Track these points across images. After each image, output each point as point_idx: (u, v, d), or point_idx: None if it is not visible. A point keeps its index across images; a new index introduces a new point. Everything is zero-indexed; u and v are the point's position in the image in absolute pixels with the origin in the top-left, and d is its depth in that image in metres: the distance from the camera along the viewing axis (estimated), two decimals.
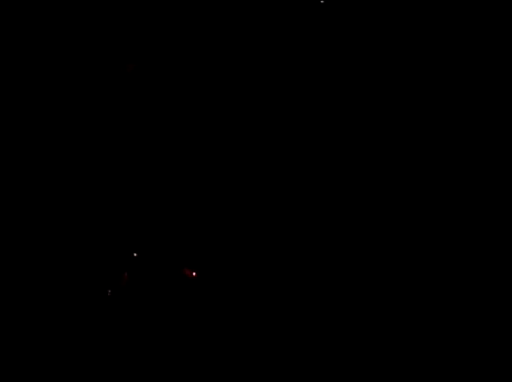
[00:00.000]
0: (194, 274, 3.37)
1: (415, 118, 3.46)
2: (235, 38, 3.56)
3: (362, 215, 3.40)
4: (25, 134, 3.44)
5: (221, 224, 3.43)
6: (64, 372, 3.19)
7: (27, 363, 3.19)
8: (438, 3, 3.47)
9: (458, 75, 3.46)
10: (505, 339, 3.21)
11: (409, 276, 3.32)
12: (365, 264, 3.35)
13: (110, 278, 3.34)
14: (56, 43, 3.51)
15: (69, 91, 3.49)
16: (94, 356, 3.21)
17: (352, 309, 3.30)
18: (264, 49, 3.56)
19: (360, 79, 3.51)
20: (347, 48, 3.53)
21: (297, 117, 3.51)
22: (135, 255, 3.36)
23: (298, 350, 3.25)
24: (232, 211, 3.44)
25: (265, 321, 3.29)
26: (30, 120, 3.45)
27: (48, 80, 3.49)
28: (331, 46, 3.54)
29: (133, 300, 3.32)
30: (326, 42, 3.55)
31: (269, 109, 3.53)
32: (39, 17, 3.51)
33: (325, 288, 3.33)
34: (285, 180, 3.46)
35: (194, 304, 3.33)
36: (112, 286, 3.32)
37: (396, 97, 3.48)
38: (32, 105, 3.46)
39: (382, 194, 3.41)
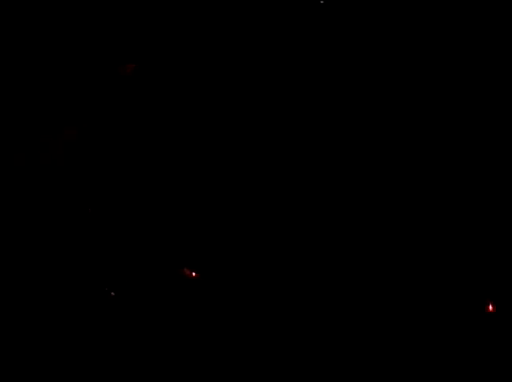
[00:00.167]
0: (194, 274, 3.37)
1: (415, 118, 3.46)
2: (235, 38, 3.56)
3: (362, 215, 3.41)
4: (25, 133, 3.44)
5: (221, 223, 3.43)
6: (64, 372, 3.19)
7: (27, 363, 3.19)
8: (438, 3, 3.48)
9: (458, 75, 3.46)
10: (504, 338, 3.21)
11: (408, 276, 3.32)
12: (365, 264, 3.35)
13: (110, 278, 3.34)
14: (56, 43, 3.51)
15: (69, 91, 3.50)
16: (94, 356, 3.22)
17: (352, 309, 3.30)
18: (264, 49, 3.56)
19: (360, 79, 3.51)
20: (347, 48, 3.53)
21: (297, 117, 3.51)
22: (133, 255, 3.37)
23: (298, 350, 3.25)
24: (232, 211, 3.44)
25: (266, 321, 3.29)
26: (30, 120, 3.46)
27: (48, 80, 3.50)
28: (332, 46, 3.55)
29: (133, 300, 3.32)
30: (326, 42, 3.55)
31: (269, 109, 3.53)
32: (39, 17, 3.51)
33: (325, 288, 3.34)
34: (285, 180, 3.46)
35: (194, 304, 3.33)
36: (112, 287, 3.33)
37: (396, 97, 3.48)
38: (32, 105, 3.47)
39: (382, 194, 3.41)
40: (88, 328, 3.26)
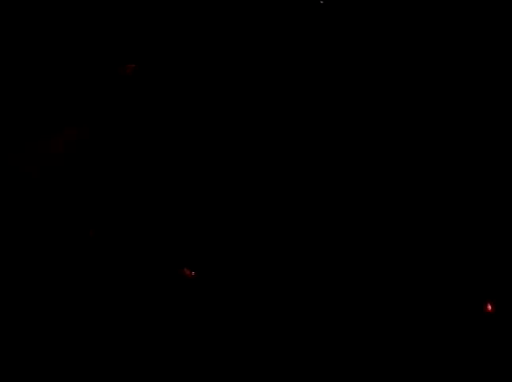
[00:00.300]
0: (193, 274, 3.37)
1: (415, 119, 3.46)
2: (235, 38, 3.56)
3: (362, 214, 3.40)
4: (25, 133, 3.44)
5: (221, 223, 3.43)
6: (63, 372, 3.19)
7: (27, 363, 3.19)
8: (438, 3, 3.48)
9: (458, 75, 3.46)
10: (504, 338, 3.21)
11: (408, 276, 3.32)
12: (365, 264, 3.35)
13: (111, 278, 3.34)
14: (56, 43, 3.51)
15: (70, 91, 3.50)
16: (94, 356, 3.21)
17: (352, 309, 3.30)
18: (264, 49, 3.56)
19: (360, 79, 3.51)
20: (346, 48, 3.53)
21: (297, 117, 3.51)
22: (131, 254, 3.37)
23: (298, 350, 3.25)
24: (232, 211, 3.44)
25: (266, 321, 3.29)
26: (30, 120, 3.45)
27: (48, 80, 3.50)
28: (331, 46, 3.54)
29: (132, 300, 3.32)
30: (326, 42, 3.55)
31: (269, 109, 3.53)
32: (39, 17, 3.51)
33: (325, 288, 3.34)
34: (285, 180, 3.46)
35: (193, 304, 3.33)
36: (112, 287, 3.33)
37: (396, 97, 3.48)
38: (32, 105, 3.47)
39: (382, 194, 3.41)
40: (88, 328, 3.26)
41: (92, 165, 3.45)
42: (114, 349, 3.22)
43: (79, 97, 3.50)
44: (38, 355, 3.19)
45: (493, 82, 3.43)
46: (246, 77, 3.55)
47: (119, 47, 3.55)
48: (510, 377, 3.17)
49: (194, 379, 3.22)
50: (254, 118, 3.52)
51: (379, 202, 3.41)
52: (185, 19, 3.58)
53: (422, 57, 3.48)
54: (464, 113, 3.44)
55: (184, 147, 3.51)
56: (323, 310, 3.30)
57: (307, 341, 3.26)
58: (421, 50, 3.48)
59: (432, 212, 3.38)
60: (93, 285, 3.31)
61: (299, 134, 3.50)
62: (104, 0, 3.56)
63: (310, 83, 3.54)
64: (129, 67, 3.55)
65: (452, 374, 3.19)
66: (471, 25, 3.46)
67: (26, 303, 3.25)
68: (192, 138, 3.51)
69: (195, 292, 3.34)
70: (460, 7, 3.46)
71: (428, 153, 3.43)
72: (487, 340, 3.22)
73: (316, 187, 3.44)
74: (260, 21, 3.57)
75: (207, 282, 3.35)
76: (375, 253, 3.35)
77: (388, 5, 3.52)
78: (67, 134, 3.45)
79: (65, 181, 3.41)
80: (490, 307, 3.25)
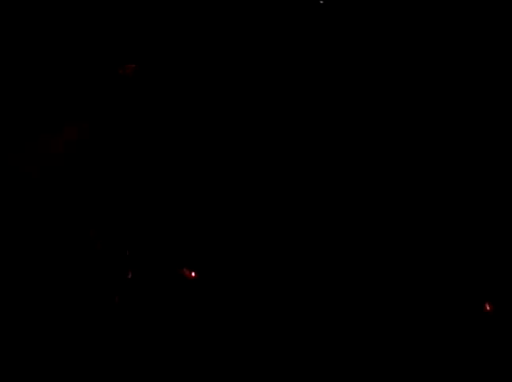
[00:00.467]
0: (193, 274, 3.37)
1: (415, 119, 3.46)
2: (235, 38, 3.56)
3: (362, 214, 3.40)
4: (25, 132, 3.44)
5: (221, 224, 3.43)
6: (63, 372, 3.19)
7: (27, 363, 3.19)
8: (438, 3, 3.48)
9: (458, 75, 3.46)
10: (504, 338, 3.21)
11: (408, 276, 3.32)
12: (365, 264, 3.35)
13: (111, 278, 3.34)
14: (56, 42, 3.51)
15: (70, 91, 3.50)
16: (94, 356, 3.21)
17: (352, 309, 3.30)
18: (264, 49, 3.56)
19: (360, 79, 3.51)
20: (346, 48, 3.53)
21: (297, 117, 3.51)
22: (129, 254, 3.36)
23: (298, 350, 3.25)
24: (232, 211, 3.44)
25: (266, 321, 3.29)
26: (30, 119, 3.45)
27: (49, 80, 3.50)
28: (331, 46, 3.54)
29: (132, 300, 3.32)
30: (326, 42, 3.55)
31: (269, 109, 3.53)
32: (39, 17, 3.51)
33: (325, 288, 3.33)
34: (285, 180, 3.46)
35: (193, 304, 3.33)
36: (112, 287, 3.33)
37: (396, 97, 3.48)
38: (32, 104, 3.47)
39: (382, 194, 3.41)
40: (88, 328, 3.26)
41: (92, 165, 3.45)
42: (115, 349, 3.23)
43: (79, 97, 3.50)
44: (38, 355, 3.19)
45: (493, 82, 3.44)
46: (246, 77, 3.55)
47: (119, 47, 3.55)
48: (510, 377, 3.17)
49: (194, 379, 3.22)
50: (254, 118, 3.52)
51: (379, 202, 3.41)
52: (185, 19, 3.58)
53: (422, 57, 3.48)
54: (464, 113, 3.44)
55: (184, 147, 3.50)
56: (323, 310, 3.30)
57: (307, 340, 3.26)
58: (421, 50, 3.48)
59: (431, 212, 3.38)
60: (93, 284, 3.31)
61: (299, 134, 3.50)
62: (104, 0, 3.56)
63: (310, 83, 3.54)
64: (129, 67, 3.55)
65: (452, 374, 3.19)
66: (471, 25, 3.46)
67: (26, 302, 3.25)
68: (192, 137, 3.51)
69: (195, 292, 3.34)
70: (460, 7, 3.47)
71: (428, 154, 3.43)
72: (487, 340, 3.22)
73: (315, 187, 3.44)
74: (260, 22, 3.57)
75: (207, 283, 3.35)
76: (375, 253, 3.35)
77: (388, 5, 3.52)
78: (67, 134, 3.45)
79: (65, 181, 3.41)
80: (489, 307, 3.25)
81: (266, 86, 3.54)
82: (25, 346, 3.20)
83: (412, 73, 3.48)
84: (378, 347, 3.24)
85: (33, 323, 3.23)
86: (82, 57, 3.51)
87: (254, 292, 3.33)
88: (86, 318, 3.26)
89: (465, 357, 3.20)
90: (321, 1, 3.54)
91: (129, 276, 3.33)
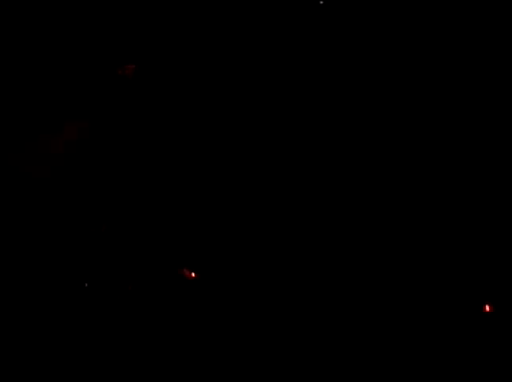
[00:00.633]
0: (193, 274, 3.37)
1: (415, 119, 3.46)
2: (235, 38, 3.56)
3: (362, 215, 3.41)
4: (25, 132, 3.44)
5: (221, 224, 3.43)
6: (63, 372, 3.19)
7: (27, 363, 3.19)
8: (438, 3, 3.48)
9: (458, 75, 3.46)
10: (504, 338, 3.22)
11: (408, 276, 3.32)
12: (365, 264, 3.35)
13: (111, 279, 3.34)
14: (56, 42, 3.51)
15: (70, 91, 3.50)
16: (94, 356, 3.21)
17: (352, 309, 3.30)
18: (264, 49, 3.56)
19: (360, 80, 3.51)
20: (346, 48, 3.54)
21: (297, 117, 3.52)
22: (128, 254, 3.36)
23: (298, 350, 3.25)
24: (232, 211, 3.44)
25: (265, 321, 3.29)
26: (30, 119, 3.45)
27: (49, 79, 3.50)
28: (331, 46, 3.55)
29: (132, 300, 3.32)
30: (325, 43, 3.55)
31: (268, 109, 3.53)
32: (39, 17, 3.51)
33: (325, 288, 3.34)
34: (285, 180, 3.46)
35: (193, 305, 3.33)
36: (113, 287, 3.32)
37: (396, 97, 3.49)
38: (33, 104, 3.47)
39: (382, 194, 3.41)
40: (88, 328, 3.26)
41: (92, 165, 3.45)
42: (115, 348, 3.22)
43: (79, 97, 3.50)
44: (40, 350, 3.19)
45: (493, 82, 3.44)
46: (245, 77, 3.55)
47: (119, 47, 3.55)
48: (510, 377, 3.17)
49: (194, 379, 3.22)
50: (254, 118, 3.52)
51: (379, 202, 3.41)
52: (185, 20, 3.58)
53: (422, 57, 3.49)
54: (464, 113, 3.45)
55: (184, 147, 3.50)
56: (323, 311, 3.30)
57: (306, 340, 3.26)
58: (421, 50, 3.48)
59: (431, 212, 3.38)
60: (93, 284, 3.31)
61: (298, 134, 3.50)
62: (104, 0, 3.56)
63: (310, 83, 3.54)
64: (128, 67, 3.55)
65: (452, 374, 3.19)
66: (471, 25, 3.46)
67: (27, 301, 3.25)
68: (192, 137, 3.51)
69: (195, 292, 3.34)
70: (460, 7, 3.47)
71: (428, 154, 3.43)
72: (487, 340, 3.22)
73: (315, 187, 3.44)
74: (260, 22, 3.57)
75: (207, 283, 3.35)
76: (375, 254, 3.36)
77: (387, 5, 3.52)
78: (67, 134, 3.45)
79: (65, 181, 3.41)
80: (489, 307, 3.25)
81: (266, 86, 3.54)
82: (26, 343, 3.20)
83: (412, 73, 3.49)
84: (377, 347, 3.24)
85: (34, 321, 3.23)
86: (82, 57, 3.51)
87: (253, 292, 3.33)
88: (86, 318, 3.26)
89: (465, 357, 3.20)
90: (321, 2, 3.54)
91: (131, 274, 3.33)
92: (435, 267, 3.31)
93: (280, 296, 3.32)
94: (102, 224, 3.38)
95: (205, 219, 3.43)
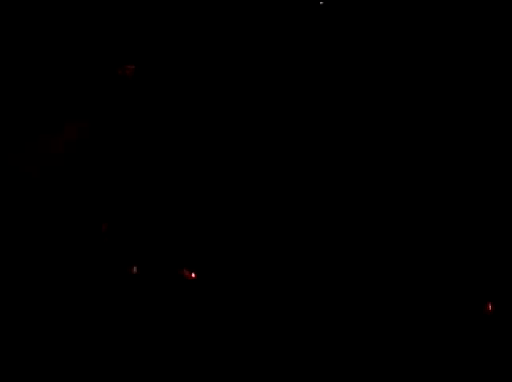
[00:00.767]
0: (193, 275, 3.37)
1: (415, 119, 3.47)
2: (234, 39, 3.56)
3: (362, 215, 3.41)
4: (25, 132, 3.44)
5: (221, 224, 3.43)
6: (64, 372, 3.18)
7: (27, 363, 3.19)
8: (438, 3, 3.49)
9: (458, 75, 3.46)
10: (504, 338, 3.22)
11: (408, 276, 3.32)
12: (365, 264, 3.35)
13: (111, 278, 3.34)
14: (56, 42, 3.52)
15: (70, 91, 3.50)
16: (94, 356, 3.21)
17: (352, 309, 3.30)
18: (263, 50, 3.56)
19: (359, 80, 3.52)
20: (346, 48, 3.54)
21: (297, 117, 3.52)
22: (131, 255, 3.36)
23: (298, 350, 3.25)
24: (231, 211, 3.44)
25: (265, 321, 3.29)
26: (31, 121, 3.46)
27: (49, 79, 3.50)
28: (331, 47, 3.55)
29: (132, 301, 3.31)
30: (325, 43, 3.56)
31: (268, 109, 3.53)
32: (39, 17, 3.52)
33: (324, 289, 3.33)
34: (285, 180, 3.46)
35: (193, 305, 3.33)
36: (112, 287, 3.32)
37: (396, 97, 3.49)
38: (33, 104, 3.47)
39: (382, 194, 3.42)
40: (88, 328, 3.26)
41: (92, 165, 3.45)
42: (115, 347, 3.22)
43: (79, 98, 3.50)
44: (40, 350, 3.19)
45: (493, 82, 3.44)
46: (245, 78, 3.55)
47: (119, 48, 3.56)
48: (510, 377, 3.17)
49: (194, 379, 3.22)
50: (254, 118, 3.52)
51: (379, 203, 3.41)
52: (184, 20, 3.59)
53: (422, 58, 3.49)
54: (464, 113, 3.45)
55: (184, 147, 3.50)
56: (323, 311, 3.30)
57: (306, 341, 3.26)
58: (421, 50, 3.49)
59: (431, 212, 3.38)
60: (92, 282, 3.31)
61: (298, 134, 3.51)
62: (104, 1, 3.56)
63: (309, 82, 3.54)
64: (128, 67, 3.55)
65: (452, 374, 3.20)
66: (471, 25, 3.47)
67: (26, 300, 3.25)
68: (191, 137, 3.51)
69: (195, 293, 3.34)
70: (460, 7, 3.48)
71: (428, 154, 3.43)
72: (487, 340, 3.22)
73: (315, 187, 3.45)
74: (260, 22, 3.57)
75: (207, 283, 3.35)
76: (375, 254, 3.36)
77: (387, 5, 3.53)
78: (67, 134, 3.45)
79: (65, 181, 3.41)
80: (489, 308, 3.25)
81: (266, 86, 3.54)
82: (26, 342, 3.20)
83: (411, 73, 3.49)
84: (377, 347, 3.24)
85: (34, 321, 3.23)
86: (82, 57, 3.51)
87: (253, 292, 3.33)
88: (86, 317, 3.26)
89: (465, 357, 3.20)
90: (321, 2, 3.54)
91: (133, 272, 3.33)
92: (435, 267, 3.32)
93: (279, 296, 3.32)
94: (103, 224, 3.38)
95: (205, 219, 3.42)
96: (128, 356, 3.22)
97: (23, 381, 3.16)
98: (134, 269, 3.34)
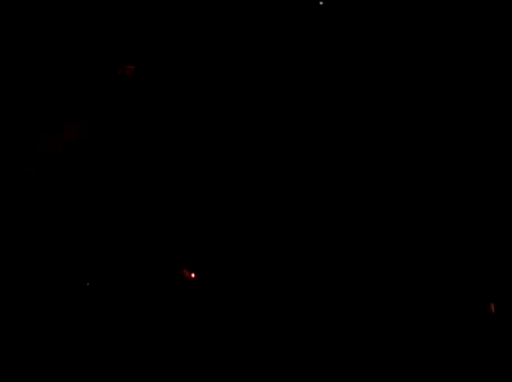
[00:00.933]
0: (193, 275, 3.37)
1: (415, 119, 3.47)
2: (234, 39, 3.56)
3: (362, 215, 3.41)
4: (26, 134, 3.44)
5: (220, 224, 3.43)
6: (64, 372, 3.18)
7: (27, 363, 3.19)
8: (438, 3, 3.49)
9: (458, 75, 3.47)
10: (504, 338, 3.22)
11: (408, 276, 3.32)
12: (365, 264, 3.35)
13: (111, 279, 3.34)
14: (57, 42, 3.52)
15: (70, 91, 3.50)
16: (94, 356, 3.21)
17: (352, 309, 3.30)
18: (263, 50, 3.56)
19: (359, 80, 3.52)
20: (346, 48, 3.54)
21: (297, 117, 3.52)
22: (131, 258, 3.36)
23: (298, 350, 3.25)
24: (231, 212, 3.44)
25: (265, 321, 3.29)
26: (31, 121, 3.45)
27: (49, 79, 3.50)
28: (331, 47, 3.55)
29: (132, 301, 3.31)
30: (325, 43, 3.56)
31: (267, 109, 3.53)
32: (39, 17, 3.52)
33: (324, 289, 3.33)
34: (284, 180, 3.46)
35: (193, 305, 3.33)
36: (112, 287, 3.32)
37: (396, 97, 3.49)
38: (33, 106, 3.47)
39: (382, 194, 3.42)
40: (89, 328, 3.26)
41: (92, 165, 3.45)
42: (115, 347, 3.22)
43: (79, 97, 3.50)
44: (40, 350, 3.19)
45: (493, 82, 3.44)
46: (245, 78, 3.55)
47: (119, 48, 3.56)
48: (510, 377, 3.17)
49: (194, 379, 3.22)
50: (253, 118, 3.52)
51: (379, 203, 3.41)
52: (184, 21, 3.59)
53: (421, 58, 3.49)
54: (464, 113, 3.45)
55: (184, 147, 3.51)
56: (322, 311, 3.30)
57: (306, 341, 3.26)
58: (421, 51, 3.49)
59: (431, 213, 3.38)
60: (92, 284, 3.31)
61: (298, 134, 3.51)
62: (104, 1, 3.56)
63: (309, 83, 3.54)
64: (128, 68, 3.55)
65: (452, 374, 3.20)
66: (471, 25, 3.47)
67: (27, 301, 3.25)
68: (191, 138, 3.52)
69: (195, 293, 3.34)
70: (460, 7, 3.48)
71: (428, 154, 3.43)
72: (487, 340, 3.22)
73: (315, 188, 3.45)
74: (259, 22, 3.57)
75: (207, 284, 3.35)
76: (375, 255, 3.36)
77: (387, 6, 3.53)
78: (68, 134, 3.45)
79: (65, 181, 3.41)
80: (489, 308, 3.25)
81: (265, 86, 3.54)
82: (26, 343, 3.20)
83: (411, 73, 3.49)
84: (377, 347, 3.24)
85: (34, 320, 3.23)
86: (82, 58, 3.51)
87: (253, 292, 3.33)
88: (86, 317, 3.26)
89: (465, 357, 3.20)
90: (321, 3, 3.54)
91: (128, 275, 3.33)
92: (435, 267, 3.32)
93: (279, 296, 3.32)
94: (106, 228, 3.38)
95: (205, 219, 3.42)
96: (128, 356, 3.22)
97: (23, 381, 3.16)
98: (135, 263, 3.34)
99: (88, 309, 3.28)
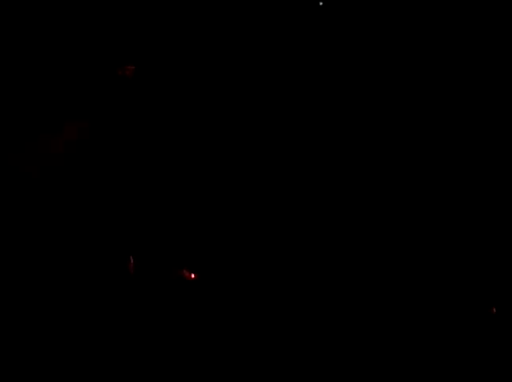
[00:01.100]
0: (193, 275, 3.37)
1: (415, 119, 3.47)
2: (234, 39, 3.57)
3: (362, 215, 3.41)
4: (26, 134, 3.44)
5: (220, 225, 3.43)
6: (64, 372, 3.18)
7: (27, 363, 3.18)
8: (438, 3, 3.49)
9: (458, 75, 3.47)
10: (504, 338, 3.22)
11: (408, 276, 3.32)
12: (365, 265, 3.35)
13: (111, 279, 3.33)
14: (57, 43, 3.52)
15: (70, 91, 3.50)
16: (94, 356, 3.21)
17: (352, 309, 3.30)
18: (263, 50, 3.56)
19: (359, 80, 3.52)
20: (346, 49, 3.54)
21: (297, 117, 3.52)
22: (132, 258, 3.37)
23: (298, 350, 3.25)
24: (231, 212, 3.44)
25: (265, 321, 3.29)
26: (31, 121, 3.46)
27: (49, 80, 3.50)
28: (331, 47, 3.55)
29: (132, 301, 3.31)
30: (325, 43, 3.56)
31: (267, 109, 3.53)
32: (39, 17, 3.52)
33: (324, 289, 3.34)
34: (284, 180, 3.46)
35: (193, 306, 3.33)
36: (112, 287, 3.32)
37: (396, 97, 3.49)
38: (33, 106, 3.47)
39: (382, 194, 3.42)
40: (89, 329, 3.26)
41: (92, 165, 3.45)
42: (115, 347, 3.22)
43: (79, 97, 3.50)
44: (40, 349, 3.19)
45: (493, 82, 3.45)
46: (245, 78, 3.55)
47: (119, 48, 3.56)
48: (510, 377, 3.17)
49: (194, 379, 3.22)
50: (253, 118, 3.52)
51: (379, 203, 3.41)
52: (183, 21, 3.59)
53: (421, 58, 3.49)
54: (464, 113, 3.45)
55: (183, 147, 3.51)
56: (322, 312, 3.30)
57: (306, 341, 3.26)
58: (421, 51, 3.49)
59: (431, 213, 3.38)
60: (93, 284, 3.31)
61: (298, 134, 3.51)
62: (104, 1, 3.56)
63: (309, 83, 3.54)
64: (128, 68, 3.55)
65: (452, 374, 3.20)
66: (471, 25, 3.47)
67: (27, 301, 3.25)
68: (191, 138, 3.52)
69: (195, 293, 3.34)
70: (460, 7, 3.48)
71: (428, 154, 3.43)
72: (487, 340, 3.23)
73: (314, 188, 3.45)
74: (260, 22, 3.57)
75: (207, 284, 3.35)
76: (375, 255, 3.36)
77: (387, 6, 3.53)
78: (67, 134, 3.45)
79: (65, 181, 3.41)
80: (490, 308, 3.25)
81: (265, 86, 3.54)
82: (26, 342, 3.20)
83: (411, 74, 3.49)
84: (377, 347, 3.24)
85: (34, 320, 3.23)
86: (82, 58, 3.52)
87: (253, 293, 3.33)
88: (86, 317, 3.26)
89: (465, 357, 3.21)
90: (321, 3, 3.55)
91: (128, 275, 3.33)
92: (435, 268, 3.32)
93: (279, 296, 3.32)
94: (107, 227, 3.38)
95: (205, 219, 3.43)
96: (128, 356, 3.22)
97: (23, 381, 3.16)
98: (132, 261, 3.34)
99: (88, 309, 3.28)
